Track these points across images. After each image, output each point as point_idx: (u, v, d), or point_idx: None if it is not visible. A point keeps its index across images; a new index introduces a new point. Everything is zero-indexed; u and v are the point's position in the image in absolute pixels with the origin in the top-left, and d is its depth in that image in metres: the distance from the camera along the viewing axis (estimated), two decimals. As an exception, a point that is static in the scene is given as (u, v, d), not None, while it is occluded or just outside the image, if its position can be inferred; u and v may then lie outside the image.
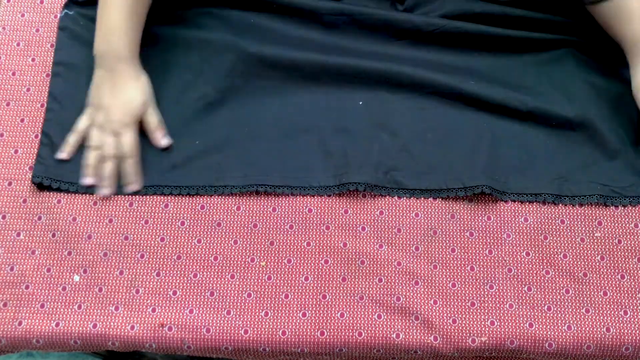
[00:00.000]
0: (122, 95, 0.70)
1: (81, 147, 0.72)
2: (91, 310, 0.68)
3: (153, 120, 0.71)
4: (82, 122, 0.72)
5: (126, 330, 0.67)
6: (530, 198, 0.71)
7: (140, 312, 0.68)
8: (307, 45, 0.75)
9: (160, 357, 0.98)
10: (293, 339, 0.67)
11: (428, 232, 0.70)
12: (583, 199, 0.71)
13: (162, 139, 0.71)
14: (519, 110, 0.73)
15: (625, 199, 0.71)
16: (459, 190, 0.71)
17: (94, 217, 0.71)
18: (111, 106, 0.70)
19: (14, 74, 0.76)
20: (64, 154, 0.71)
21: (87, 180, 0.70)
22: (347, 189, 0.70)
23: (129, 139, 0.70)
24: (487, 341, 0.67)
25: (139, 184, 0.71)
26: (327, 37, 0.76)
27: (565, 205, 0.71)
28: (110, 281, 0.69)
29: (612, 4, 0.69)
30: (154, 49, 0.76)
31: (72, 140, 0.72)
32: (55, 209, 0.71)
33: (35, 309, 0.68)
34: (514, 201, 0.71)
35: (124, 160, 0.70)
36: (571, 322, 0.67)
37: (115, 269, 0.69)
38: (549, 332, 0.67)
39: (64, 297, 0.68)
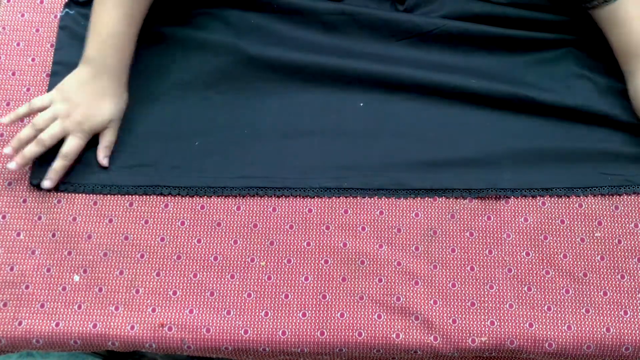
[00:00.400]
0: (95, 103, 0.70)
1: (88, 146, 0.72)
2: (91, 310, 0.68)
3: (108, 138, 0.71)
4: (42, 101, 0.70)
5: (126, 330, 0.67)
6: (541, 192, 0.71)
7: (140, 312, 0.68)
8: (307, 46, 0.75)
9: (160, 357, 0.98)
10: (293, 339, 0.67)
11: (428, 232, 0.70)
12: (595, 189, 0.71)
13: (103, 159, 0.71)
14: (523, 104, 0.73)
15: (638, 187, 0.71)
16: (464, 191, 0.71)
17: (94, 217, 0.71)
18: (80, 107, 0.69)
19: (14, 74, 0.76)
20: (5, 119, 0.71)
21: (7, 150, 0.69)
22: (349, 194, 0.71)
23: (75, 143, 0.70)
24: (487, 341, 0.67)
25: (53, 184, 0.70)
26: (327, 37, 0.76)
27: (569, 202, 0.71)
28: (110, 281, 0.69)
29: (607, 9, 0.69)
30: (153, 49, 0.76)
31: (21, 111, 0.70)
32: (55, 209, 0.71)
33: (35, 309, 0.68)
34: (524, 197, 0.71)
35: (60, 158, 0.69)
36: (571, 322, 0.67)
37: (115, 269, 0.69)
38: (549, 332, 0.67)
39: (64, 297, 0.68)
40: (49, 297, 0.68)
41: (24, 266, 0.69)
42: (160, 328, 0.67)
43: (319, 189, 0.71)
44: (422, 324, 0.67)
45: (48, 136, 0.69)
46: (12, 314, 0.67)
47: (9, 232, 0.70)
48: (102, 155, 0.71)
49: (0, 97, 0.75)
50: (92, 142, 0.72)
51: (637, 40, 0.69)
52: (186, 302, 0.68)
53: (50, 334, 0.67)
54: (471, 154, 0.72)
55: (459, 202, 0.71)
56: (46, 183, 0.70)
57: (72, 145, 0.70)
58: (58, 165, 0.70)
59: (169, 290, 0.69)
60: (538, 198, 0.71)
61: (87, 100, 0.70)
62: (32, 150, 0.69)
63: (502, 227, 0.71)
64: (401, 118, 0.74)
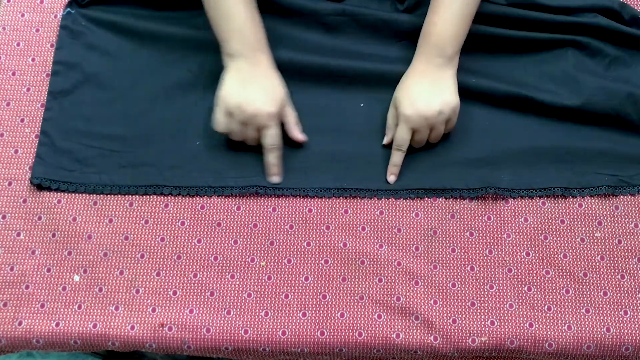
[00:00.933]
0: (267, 84, 0.69)
1: (82, 144, 0.72)
2: (91, 310, 0.68)
3: (292, 114, 0.71)
4: (222, 125, 0.69)
5: (126, 330, 0.67)
6: (539, 193, 0.71)
7: (140, 312, 0.68)
8: (308, 47, 0.75)
9: (160, 357, 0.98)
10: (293, 339, 0.67)
11: (428, 232, 0.70)
12: (592, 190, 0.71)
13: (299, 134, 0.71)
14: (522, 104, 0.73)
15: (633, 188, 0.71)
16: (463, 191, 0.71)
17: (94, 217, 0.71)
18: (255, 98, 0.68)
19: (14, 74, 0.76)
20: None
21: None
22: (349, 194, 0.71)
23: (276, 131, 0.69)
24: (487, 341, 0.67)
25: (281, 176, 0.71)
26: (328, 38, 0.76)
27: (570, 202, 0.71)
28: (110, 281, 0.69)
29: None
30: (153, 49, 0.76)
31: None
32: (55, 209, 0.71)
33: (35, 309, 0.68)
34: (523, 197, 0.71)
35: (269, 152, 0.70)
36: (571, 322, 0.67)
37: (115, 269, 0.69)
38: (549, 332, 0.67)
39: (64, 297, 0.68)
40: (49, 297, 0.68)
41: (24, 266, 0.69)
42: (160, 328, 0.67)
43: (319, 189, 0.71)
44: (422, 324, 0.67)
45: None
46: (12, 314, 0.67)
47: (9, 232, 0.70)
48: (297, 132, 0.71)
49: (0, 97, 0.75)
50: (94, 141, 0.72)
51: (432, 34, 0.69)
52: (186, 302, 0.68)
53: (50, 334, 0.67)
54: (471, 154, 0.72)
55: (459, 202, 0.71)
56: (275, 178, 0.71)
57: (276, 135, 0.69)
58: (272, 158, 0.70)
59: (169, 290, 0.69)
60: (538, 198, 0.71)
61: (258, 89, 0.69)
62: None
63: (502, 227, 0.71)
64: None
